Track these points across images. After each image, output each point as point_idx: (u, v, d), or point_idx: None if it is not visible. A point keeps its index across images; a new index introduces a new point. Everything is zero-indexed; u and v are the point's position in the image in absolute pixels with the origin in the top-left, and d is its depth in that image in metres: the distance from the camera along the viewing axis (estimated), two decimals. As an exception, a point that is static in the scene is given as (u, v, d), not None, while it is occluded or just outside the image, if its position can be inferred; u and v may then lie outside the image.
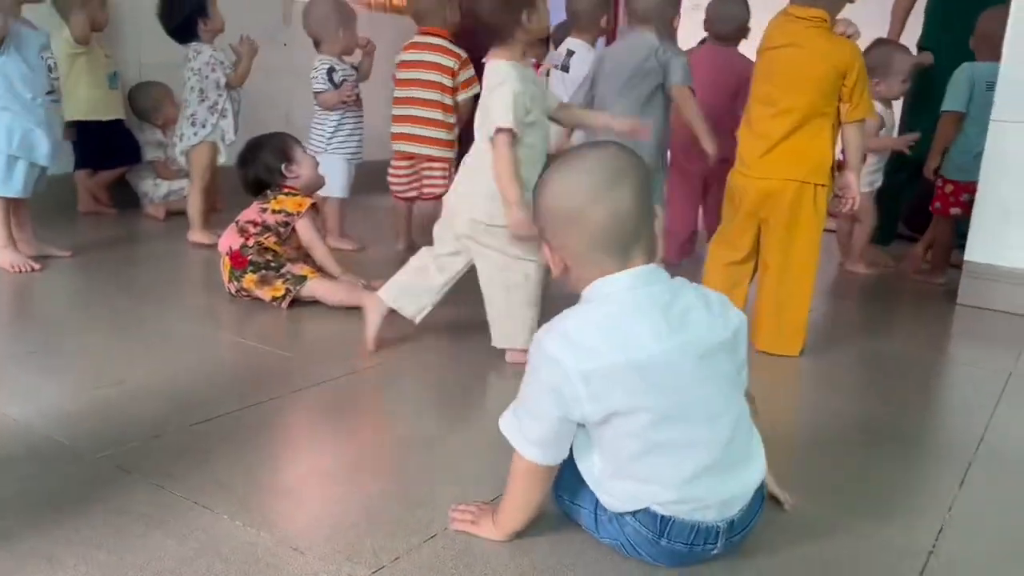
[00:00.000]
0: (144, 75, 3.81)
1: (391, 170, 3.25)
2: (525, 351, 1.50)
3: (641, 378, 1.20)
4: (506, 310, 2.07)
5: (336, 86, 3.19)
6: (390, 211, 3.50)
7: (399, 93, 3.19)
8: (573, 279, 1.28)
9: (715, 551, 1.26)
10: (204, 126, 3.20)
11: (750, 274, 2.43)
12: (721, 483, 1.25)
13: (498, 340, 2.09)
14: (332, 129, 3.23)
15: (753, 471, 1.29)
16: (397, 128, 3.19)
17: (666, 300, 1.25)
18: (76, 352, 2.01)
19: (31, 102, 2.60)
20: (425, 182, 3.21)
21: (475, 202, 2.02)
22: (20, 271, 2.61)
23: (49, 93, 2.66)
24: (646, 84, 2.76)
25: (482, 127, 2.00)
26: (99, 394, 1.73)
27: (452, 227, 2.07)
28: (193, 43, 3.19)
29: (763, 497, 1.31)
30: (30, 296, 2.50)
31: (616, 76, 2.79)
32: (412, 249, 3.19)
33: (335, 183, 3.12)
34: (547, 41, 3.76)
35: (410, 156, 3.19)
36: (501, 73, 1.97)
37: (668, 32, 2.86)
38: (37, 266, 2.65)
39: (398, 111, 3.19)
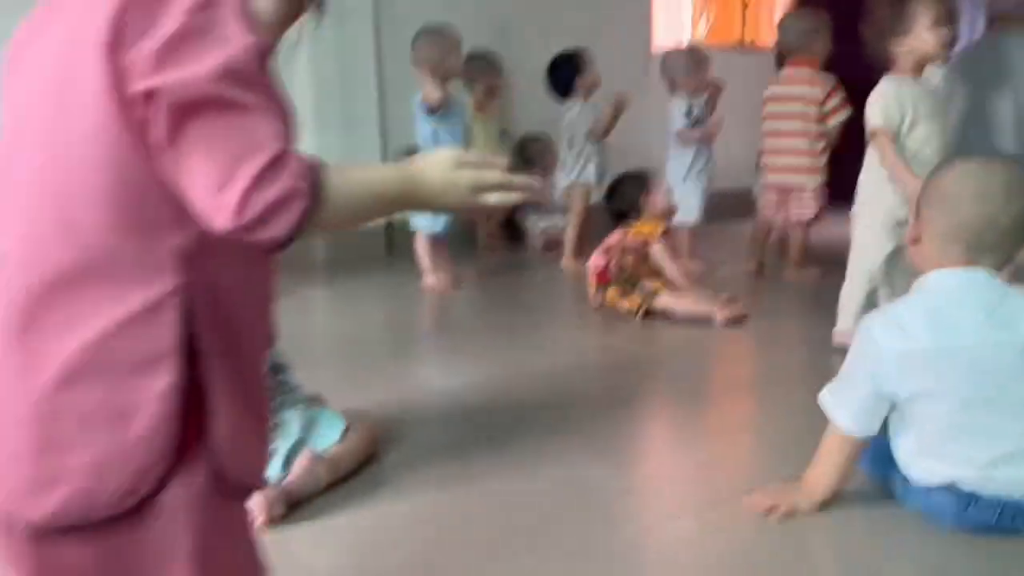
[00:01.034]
0: (530, 127, 4.54)
1: (761, 198, 3.51)
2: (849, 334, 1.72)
3: (951, 365, 1.36)
4: (846, 294, 2.39)
5: (691, 124, 3.55)
6: (745, 234, 3.75)
7: (768, 126, 3.42)
8: (919, 254, 1.49)
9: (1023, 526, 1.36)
10: (573, 171, 3.76)
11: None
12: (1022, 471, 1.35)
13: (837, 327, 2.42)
14: (689, 162, 3.61)
15: (1066, 459, 1.37)
16: (767, 160, 3.44)
17: (993, 301, 1.40)
18: (487, 348, 2.58)
19: (452, 157, 3.34)
20: (793, 208, 3.41)
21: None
22: (442, 291, 3.34)
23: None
24: None
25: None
26: (504, 376, 2.26)
27: None
28: (569, 98, 3.78)
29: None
30: (450, 309, 3.21)
31: None
32: (761, 272, 3.46)
33: (688, 210, 3.47)
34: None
35: (780, 185, 3.42)
36: (880, 87, 2.30)
37: None
38: (454, 287, 3.37)
39: (768, 143, 3.43)
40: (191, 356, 0.57)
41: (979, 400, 1.36)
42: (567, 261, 3.74)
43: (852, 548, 1.41)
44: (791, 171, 3.35)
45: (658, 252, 2.90)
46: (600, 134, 3.76)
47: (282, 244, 0.54)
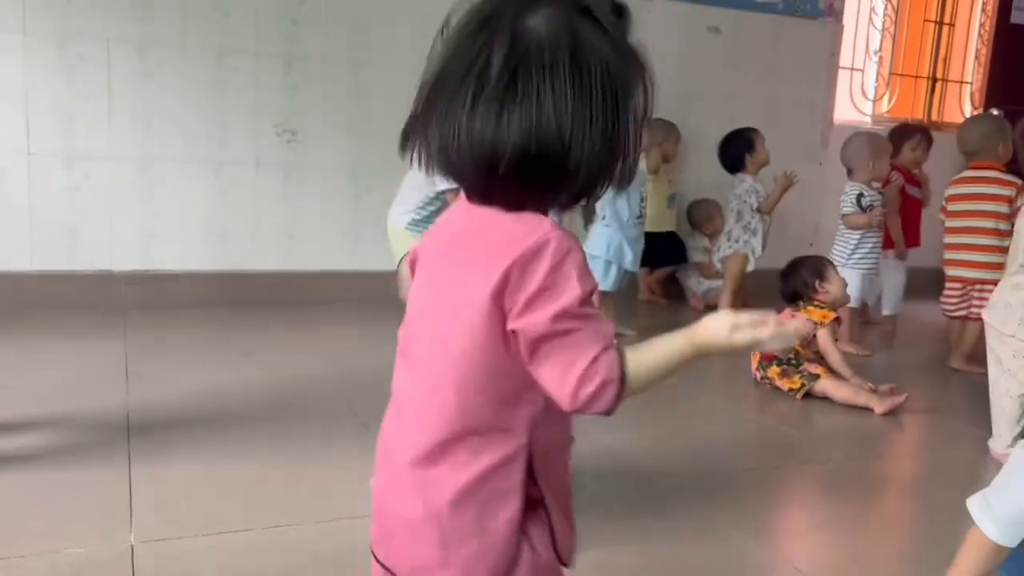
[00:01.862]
0: (700, 193, 4.73)
1: (945, 292, 3.57)
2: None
3: None
4: (995, 413, 2.47)
5: (863, 210, 3.65)
6: (939, 327, 3.84)
7: (952, 223, 3.50)
8: None
9: None
10: (738, 241, 3.94)
11: None
12: None
13: (993, 440, 2.50)
14: (853, 246, 3.70)
15: None
16: (951, 255, 3.51)
17: None
18: (649, 407, 2.80)
19: (626, 222, 3.59)
20: (975, 303, 3.44)
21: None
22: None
23: (638, 217, 3.64)
24: None
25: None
26: (666, 437, 2.47)
27: None
28: (739, 173, 3.97)
29: None
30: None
31: None
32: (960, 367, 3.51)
33: (850, 294, 3.56)
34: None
35: (963, 280, 3.48)
36: None
37: None
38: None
39: (952, 239, 3.50)
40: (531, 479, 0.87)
41: None
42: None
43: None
44: (979, 267, 3.42)
45: (824, 338, 3.04)
46: (768, 209, 3.92)
47: (608, 414, 0.82)
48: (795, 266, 3.24)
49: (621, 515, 1.96)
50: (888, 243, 4.00)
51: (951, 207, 3.50)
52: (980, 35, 5.44)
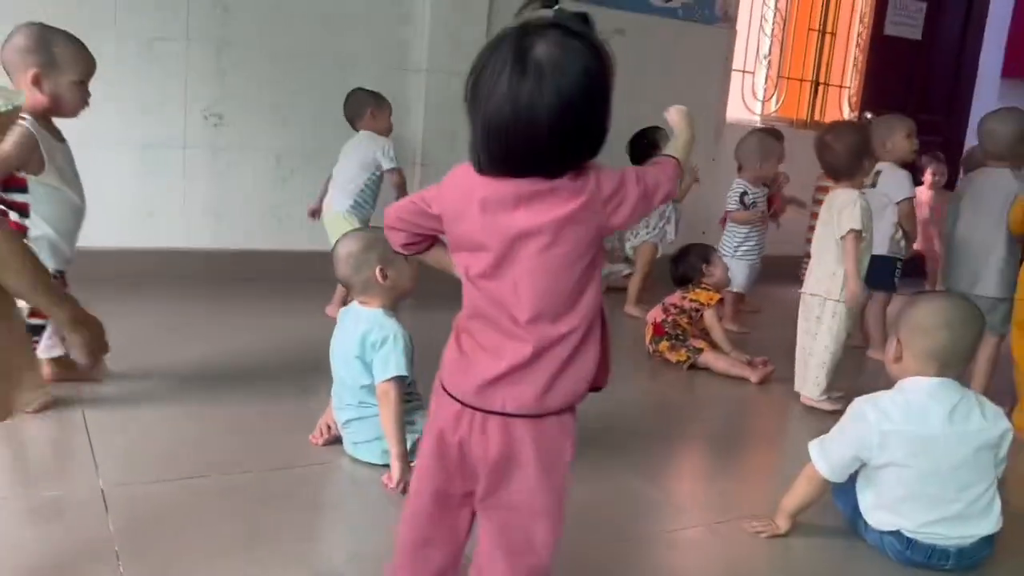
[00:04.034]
0: (605, 183, 5.08)
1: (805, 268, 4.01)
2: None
3: (922, 446, 1.88)
4: (803, 365, 2.99)
5: (746, 207, 4.06)
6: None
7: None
8: (898, 365, 2.00)
9: (947, 566, 1.87)
10: (655, 229, 4.29)
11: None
12: (956, 527, 1.87)
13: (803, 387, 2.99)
14: (740, 240, 4.11)
15: (984, 526, 1.88)
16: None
17: (955, 402, 1.91)
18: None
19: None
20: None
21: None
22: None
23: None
24: None
25: (828, 230, 2.92)
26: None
27: None
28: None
29: (992, 543, 1.88)
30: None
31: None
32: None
33: (736, 281, 3.98)
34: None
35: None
36: (852, 197, 2.87)
37: None
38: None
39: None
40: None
41: (933, 475, 1.87)
42: (629, 307, 4.26)
43: (822, 566, 1.94)
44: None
45: (709, 317, 3.44)
46: (680, 197, 4.28)
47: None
48: (685, 252, 3.62)
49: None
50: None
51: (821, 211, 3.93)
52: (858, 44, 5.98)
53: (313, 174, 3.91)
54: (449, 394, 1.31)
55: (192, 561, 1.65)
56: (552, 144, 1.18)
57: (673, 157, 1.41)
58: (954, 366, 1.94)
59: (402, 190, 3.59)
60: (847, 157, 2.94)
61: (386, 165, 3.58)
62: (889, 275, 3.62)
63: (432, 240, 1.42)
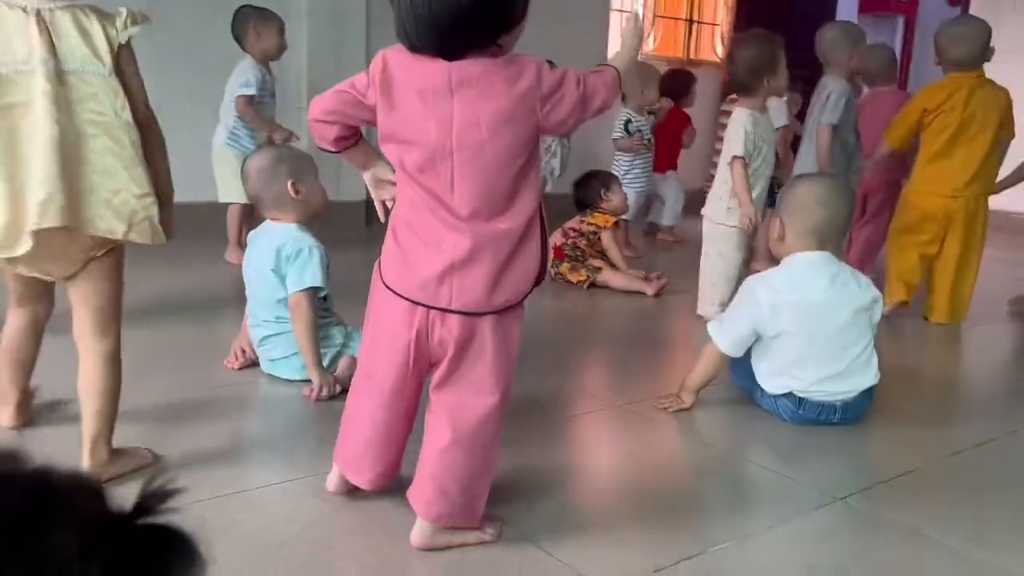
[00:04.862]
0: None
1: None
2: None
3: (809, 313, 2.05)
4: (706, 288, 3.03)
5: (630, 135, 4.22)
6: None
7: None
8: (782, 244, 2.16)
9: (835, 420, 2.06)
10: (542, 163, 4.39)
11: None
12: (841, 383, 2.06)
13: (703, 308, 3.03)
14: (626, 168, 4.28)
15: (864, 380, 2.08)
16: None
17: (834, 272, 2.09)
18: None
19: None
20: None
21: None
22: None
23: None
24: None
25: (724, 154, 2.93)
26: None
27: None
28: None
29: (872, 395, 2.09)
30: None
31: None
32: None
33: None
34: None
35: None
36: (741, 118, 2.86)
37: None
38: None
39: None
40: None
41: (820, 339, 2.05)
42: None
43: (725, 431, 2.10)
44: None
45: (607, 239, 3.58)
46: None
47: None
48: (588, 177, 3.74)
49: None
50: (662, 165, 4.60)
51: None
52: (727, -18, 6.24)
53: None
54: (392, 291, 1.33)
55: (115, 491, 1.64)
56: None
57: (613, 67, 1.39)
58: (832, 241, 2.12)
59: (253, 120, 3.36)
60: (744, 72, 2.87)
61: (236, 91, 3.32)
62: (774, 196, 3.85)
63: (359, 134, 1.41)
